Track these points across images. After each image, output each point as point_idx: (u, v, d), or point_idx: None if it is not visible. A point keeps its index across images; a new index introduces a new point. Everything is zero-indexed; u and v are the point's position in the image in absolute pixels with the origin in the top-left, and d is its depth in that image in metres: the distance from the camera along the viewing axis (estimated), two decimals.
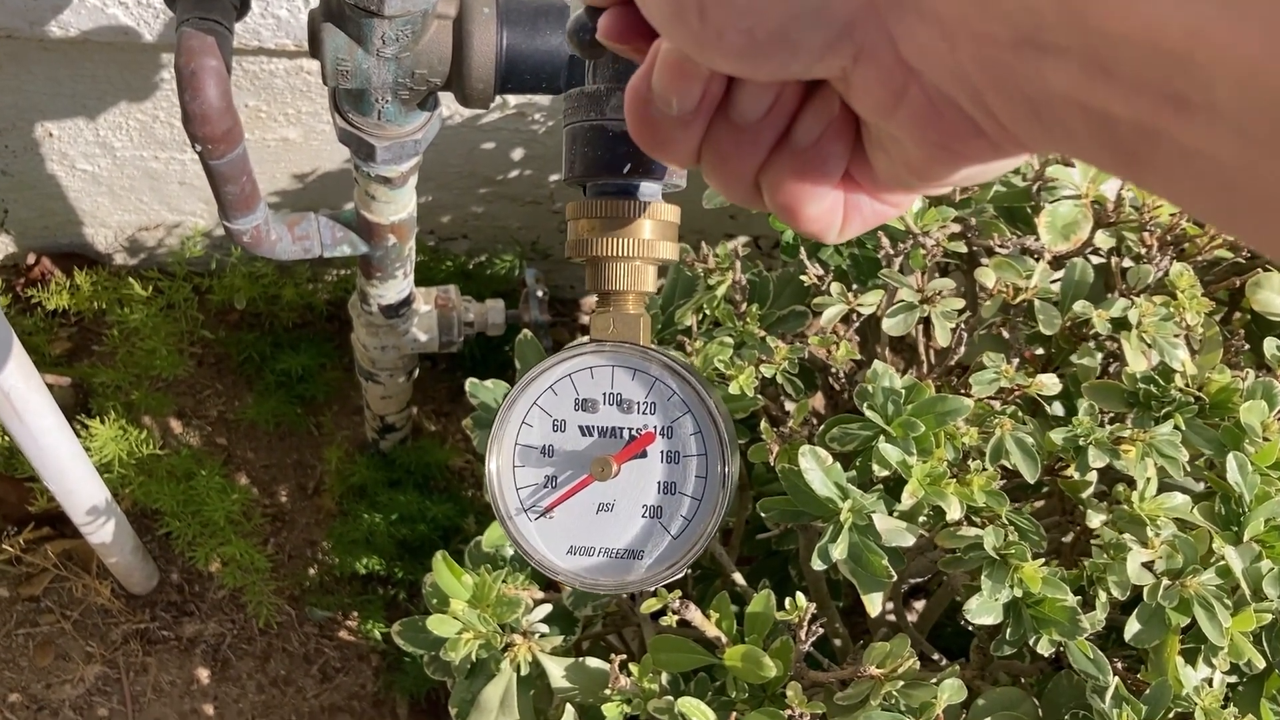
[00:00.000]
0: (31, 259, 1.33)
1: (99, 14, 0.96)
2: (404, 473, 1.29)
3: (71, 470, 0.96)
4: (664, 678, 0.76)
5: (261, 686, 1.25)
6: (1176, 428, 0.73)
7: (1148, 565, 0.69)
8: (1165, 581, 0.68)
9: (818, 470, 0.69)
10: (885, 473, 0.71)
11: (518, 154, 1.24)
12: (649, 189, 0.44)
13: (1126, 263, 0.92)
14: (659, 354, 0.43)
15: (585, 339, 0.45)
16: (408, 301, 1.02)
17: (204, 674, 1.24)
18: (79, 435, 1.00)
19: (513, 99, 1.15)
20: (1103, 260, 0.93)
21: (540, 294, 1.13)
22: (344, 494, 1.29)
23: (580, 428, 0.43)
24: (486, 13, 0.70)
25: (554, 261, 1.44)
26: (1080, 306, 0.80)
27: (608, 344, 0.43)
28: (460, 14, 0.70)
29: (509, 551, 0.86)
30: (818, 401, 1.14)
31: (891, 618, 0.94)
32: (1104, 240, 0.87)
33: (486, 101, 0.73)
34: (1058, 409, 0.90)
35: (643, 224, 0.43)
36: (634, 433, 0.43)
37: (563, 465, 0.44)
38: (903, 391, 0.73)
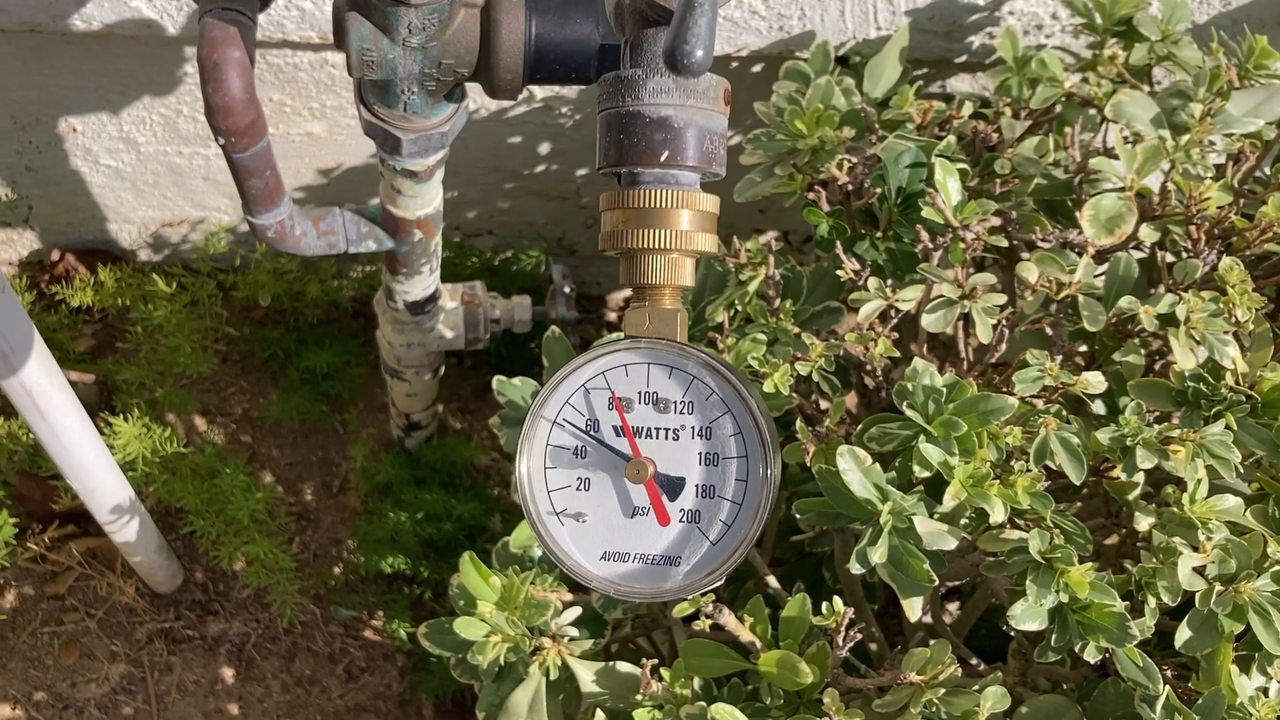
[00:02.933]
0: (55, 255, 1.32)
1: (121, 6, 0.94)
2: (429, 471, 1.27)
3: (95, 468, 0.95)
4: (696, 683, 0.74)
5: (286, 686, 1.24)
6: (1228, 427, 0.70)
7: (1199, 570, 0.67)
8: (1218, 587, 0.66)
9: (856, 471, 0.67)
10: (926, 474, 0.69)
11: (544, 148, 1.22)
12: (687, 178, 0.42)
13: (1169, 257, 0.89)
14: (697, 351, 0.41)
15: (617, 335, 0.43)
16: (434, 298, 1.01)
17: (229, 673, 1.23)
18: (102, 433, 0.99)
19: (539, 91, 1.13)
20: (1144, 254, 0.90)
21: (567, 290, 1.11)
22: (369, 492, 1.28)
23: (614, 428, 0.41)
24: (515, 0, 0.68)
25: (580, 257, 1.42)
26: (1126, 302, 0.78)
27: (643, 340, 0.41)
28: (488, 2, 0.68)
29: (537, 552, 0.84)
30: (851, 400, 1.11)
31: (928, 620, 0.92)
32: (1148, 234, 0.84)
33: (515, 92, 0.71)
34: (1098, 407, 0.87)
35: (680, 214, 0.41)
36: (672, 434, 0.41)
37: (596, 467, 0.42)
38: (944, 390, 0.70)
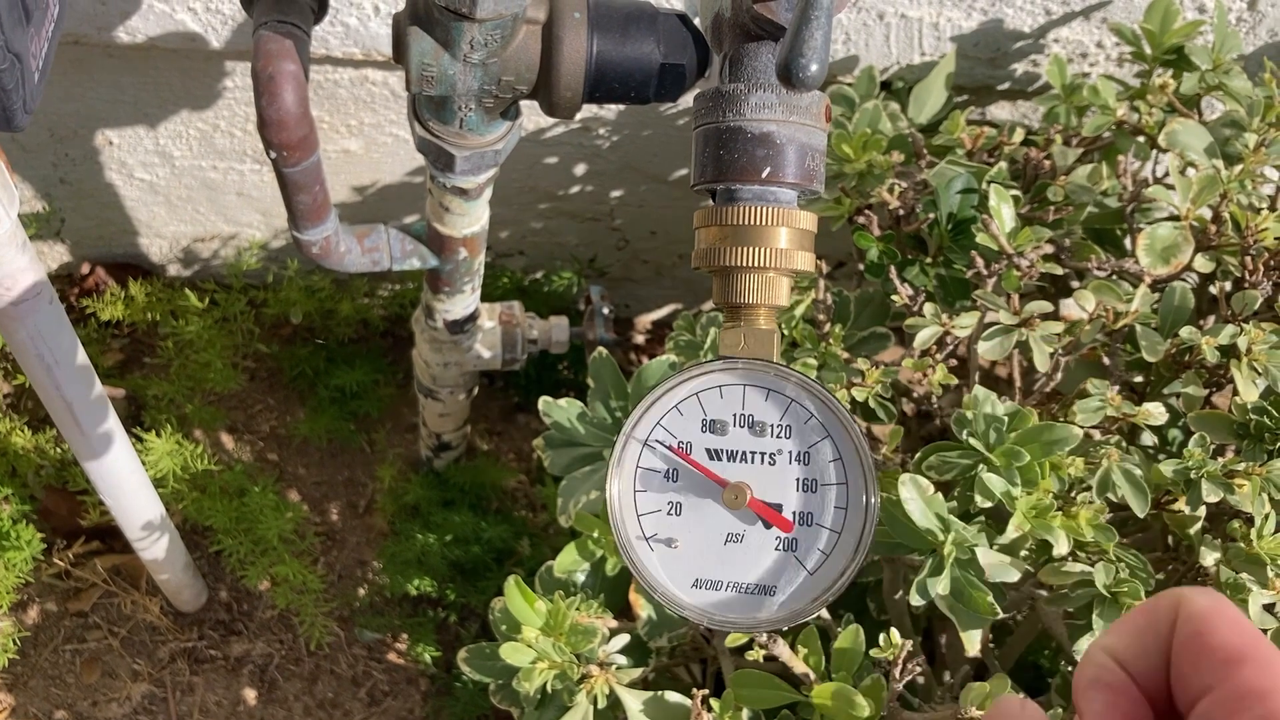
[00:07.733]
0: (85, 269, 1.31)
1: (167, 20, 0.94)
2: (458, 492, 1.26)
3: (129, 484, 0.94)
4: (745, 714, 0.72)
5: (309, 709, 1.22)
6: None
7: (1269, 608, 0.65)
8: None
9: (918, 500, 0.66)
10: (987, 504, 0.68)
11: (580, 169, 1.22)
12: (786, 195, 0.41)
13: (1223, 287, 0.88)
14: (796, 374, 0.40)
15: (710, 357, 0.42)
16: (473, 317, 1.00)
17: (251, 695, 1.22)
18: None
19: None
20: (1195, 284, 0.89)
21: (606, 311, 1.10)
22: (396, 513, 1.26)
23: (708, 450, 0.40)
24: (577, 17, 0.67)
25: (610, 280, 1.41)
26: (1187, 333, 0.77)
27: (739, 361, 0.40)
28: (550, 19, 0.67)
29: (580, 577, 0.82)
30: (882, 430, 1.10)
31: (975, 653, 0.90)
32: (1203, 264, 0.83)
33: (573, 111, 0.70)
34: (1147, 438, 0.86)
35: (778, 232, 0.40)
36: (768, 458, 0.40)
37: (689, 491, 0.40)
38: (1005, 419, 0.69)
